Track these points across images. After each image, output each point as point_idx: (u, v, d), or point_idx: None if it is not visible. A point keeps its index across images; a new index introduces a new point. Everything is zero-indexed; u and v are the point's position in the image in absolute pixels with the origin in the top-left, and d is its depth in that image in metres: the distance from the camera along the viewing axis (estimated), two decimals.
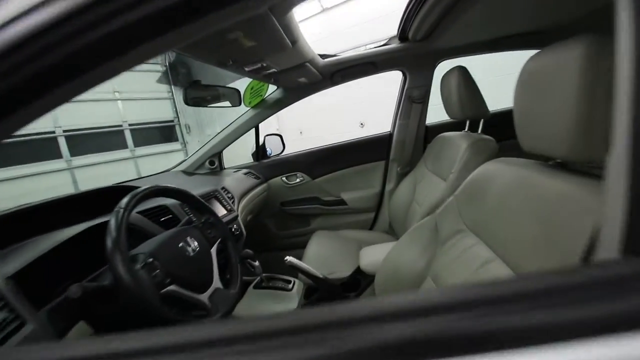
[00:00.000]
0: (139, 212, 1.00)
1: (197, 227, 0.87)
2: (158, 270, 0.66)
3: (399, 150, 1.77)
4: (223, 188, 1.44)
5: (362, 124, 5.32)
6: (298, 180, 1.91)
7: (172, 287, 0.67)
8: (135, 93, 5.89)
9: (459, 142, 1.24)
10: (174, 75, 6.35)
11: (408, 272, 0.89)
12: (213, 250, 0.85)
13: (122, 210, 0.67)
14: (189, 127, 6.42)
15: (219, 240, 0.90)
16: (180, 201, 0.96)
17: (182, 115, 6.48)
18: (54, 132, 4.98)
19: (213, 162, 1.83)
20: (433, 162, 1.44)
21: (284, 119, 5.63)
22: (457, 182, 1.15)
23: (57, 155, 5.04)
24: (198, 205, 0.92)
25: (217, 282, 0.81)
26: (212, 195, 1.28)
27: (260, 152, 1.97)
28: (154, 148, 6.11)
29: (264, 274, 1.24)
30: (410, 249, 0.92)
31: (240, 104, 1.55)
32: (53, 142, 5.01)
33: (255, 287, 1.20)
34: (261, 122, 1.78)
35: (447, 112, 1.35)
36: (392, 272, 0.95)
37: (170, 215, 1.05)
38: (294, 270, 1.16)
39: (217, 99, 1.57)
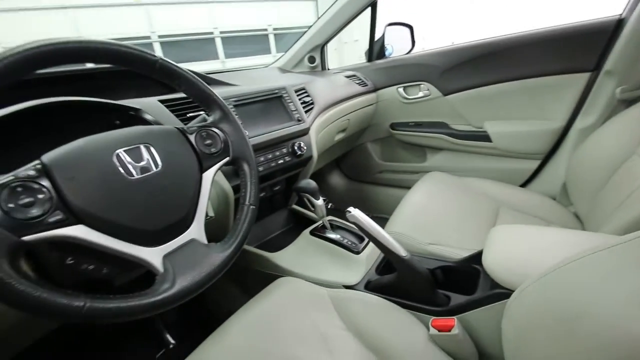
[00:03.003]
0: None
1: (184, 131, 0.50)
2: (44, 195, 0.35)
3: (629, 55, 0.90)
4: (302, 89, 1.03)
5: None
6: (421, 94, 1.31)
7: (65, 231, 0.36)
8: None
9: None
10: None
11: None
12: (207, 176, 0.49)
13: None
14: None
15: (224, 160, 0.52)
16: (136, 70, 0.47)
17: None
18: (212, 33, 5.46)
19: (313, 59, 1.41)
20: None
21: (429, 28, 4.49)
22: None
23: (215, 56, 5.61)
24: (195, 92, 0.51)
25: (196, 229, 0.46)
26: (275, 95, 0.89)
27: (375, 48, 1.41)
28: None
29: (328, 218, 0.86)
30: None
31: None
32: (211, 43, 5.53)
33: (312, 234, 0.85)
34: None
35: None
36: (563, 320, 0.39)
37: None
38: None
39: None
